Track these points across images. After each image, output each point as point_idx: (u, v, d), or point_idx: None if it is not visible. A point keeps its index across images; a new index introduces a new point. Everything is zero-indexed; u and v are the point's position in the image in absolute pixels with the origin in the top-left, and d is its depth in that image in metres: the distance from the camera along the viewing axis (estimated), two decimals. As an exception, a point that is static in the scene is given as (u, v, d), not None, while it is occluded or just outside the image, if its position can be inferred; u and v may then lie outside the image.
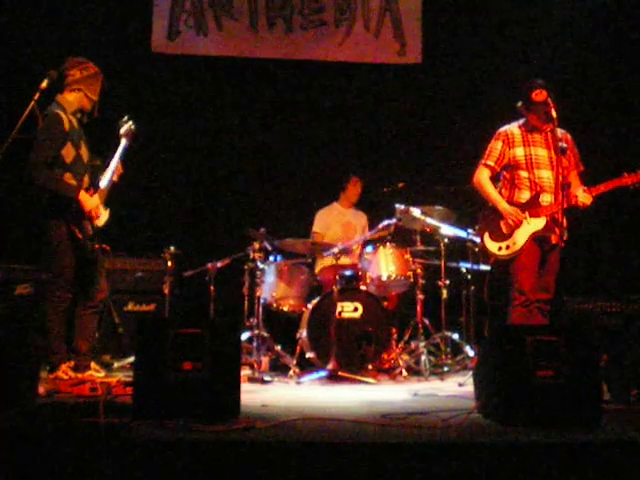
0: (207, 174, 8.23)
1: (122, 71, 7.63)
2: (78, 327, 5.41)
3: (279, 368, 6.52)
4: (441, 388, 5.60)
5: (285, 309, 6.75)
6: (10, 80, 7.30)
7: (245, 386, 4.76)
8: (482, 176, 5.46)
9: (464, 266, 6.96)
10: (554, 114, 5.13)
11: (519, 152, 5.33)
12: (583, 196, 5.18)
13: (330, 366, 5.97)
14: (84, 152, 5.40)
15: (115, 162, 5.52)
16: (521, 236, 5.23)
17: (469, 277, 6.93)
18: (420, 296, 6.66)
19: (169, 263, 6.82)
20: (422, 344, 6.46)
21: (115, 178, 5.56)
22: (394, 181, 7.10)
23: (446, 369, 6.44)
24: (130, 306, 7.00)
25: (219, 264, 6.91)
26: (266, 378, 5.92)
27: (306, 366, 6.37)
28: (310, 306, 6.48)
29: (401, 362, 6.29)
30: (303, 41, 8.33)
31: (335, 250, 6.44)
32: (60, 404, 4.24)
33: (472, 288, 6.86)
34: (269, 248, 6.81)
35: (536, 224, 5.21)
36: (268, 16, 8.27)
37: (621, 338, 4.78)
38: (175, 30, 8.17)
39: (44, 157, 5.13)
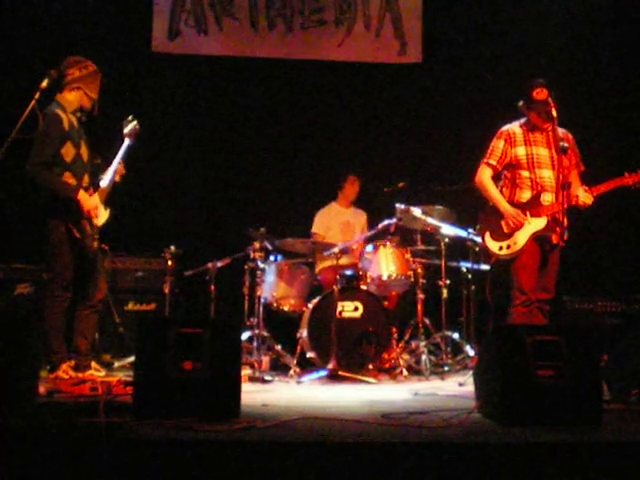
0: (207, 173, 8.23)
1: (122, 71, 7.64)
2: (78, 327, 5.41)
3: (279, 368, 6.52)
4: (441, 388, 5.60)
5: (285, 309, 6.75)
6: (10, 80, 7.30)
7: (245, 386, 4.75)
8: (484, 175, 5.46)
9: (464, 266, 6.96)
10: (554, 113, 5.13)
11: (520, 151, 5.33)
12: (584, 196, 5.18)
13: (330, 366, 5.97)
14: (84, 151, 5.40)
15: (117, 161, 5.52)
16: (522, 236, 5.23)
17: (469, 277, 6.92)
18: (420, 296, 6.66)
19: (169, 262, 6.82)
20: (422, 344, 6.46)
21: (117, 178, 5.57)
22: (395, 181, 7.10)
23: (446, 369, 6.44)
24: (130, 305, 7.01)
25: (219, 264, 6.91)
26: (266, 378, 5.93)
27: (306, 366, 6.38)
28: (310, 306, 6.48)
29: (402, 362, 6.30)
30: (303, 41, 8.32)
31: (335, 250, 6.43)
32: (60, 404, 4.25)
33: (472, 288, 6.86)
34: (269, 248, 6.81)
35: (537, 224, 5.21)
36: (268, 16, 8.27)
37: (621, 338, 4.78)
38: (175, 30, 8.17)
39: (44, 157, 5.13)
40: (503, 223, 5.31)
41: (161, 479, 3.05)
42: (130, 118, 5.63)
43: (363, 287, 6.57)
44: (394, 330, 6.42)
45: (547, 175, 5.28)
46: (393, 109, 8.36)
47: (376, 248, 6.64)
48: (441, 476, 3.09)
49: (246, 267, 6.80)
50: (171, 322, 4.02)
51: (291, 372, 6.16)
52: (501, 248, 5.31)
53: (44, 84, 5.01)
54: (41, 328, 5.15)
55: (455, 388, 5.53)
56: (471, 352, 6.51)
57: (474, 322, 6.78)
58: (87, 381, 4.87)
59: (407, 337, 6.81)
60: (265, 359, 6.43)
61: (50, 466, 3.06)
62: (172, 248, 6.85)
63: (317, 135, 8.35)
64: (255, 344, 6.42)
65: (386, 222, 6.61)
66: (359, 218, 7.72)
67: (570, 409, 3.70)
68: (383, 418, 3.87)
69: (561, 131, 5.28)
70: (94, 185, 5.43)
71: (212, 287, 6.91)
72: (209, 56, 8.25)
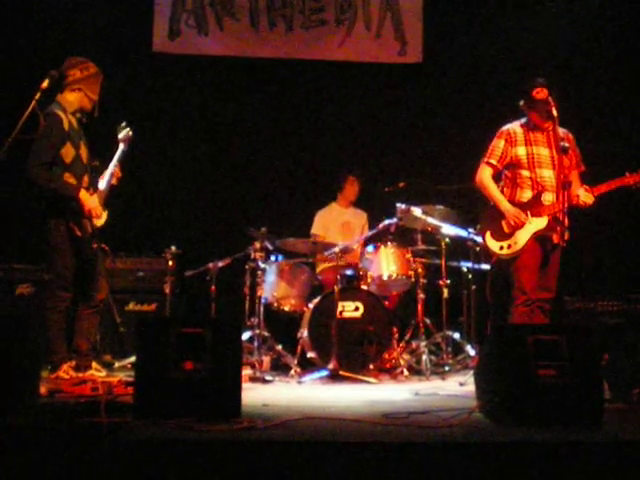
0: (208, 173, 8.23)
1: (123, 71, 7.64)
2: (79, 327, 5.42)
3: (280, 368, 6.52)
4: (442, 387, 5.59)
5: (286, 309, 6.76)
6: (11, 80, 7.30)
7: (246, 386, 4.76)
8: (485, 175, 5.46)
9: (465, 265, 6.96)
10: (555, 112, 5.13)
11: (521, 151, 5.33)
12: (585, 195, 5.18)
13: (331, 366, 5.97)
14: (84, 152, 5.40)
15: (113, 166, 5.55)
16: (523, 235, 5.23)
17: (470, 276, 6.92)
18: (421, 295, 6.66)
19: (170, 263, 6.82)
20: (423, 343, 6.46)
21: (114, 181, 5.58)
22: (395, 180, 7.10)
23: (447, 368, 6.43)
24: (131, 306, 7.01)
25: (220, 264, 6.91)
26: (267, 378, 5.93)
27: (307, 366, 6.38)
28: (311, 306, 6.47)
29: (402, 361, 6.30)
30: (304, 41, 8.32)
31: (336, 250, 6.43)
32: (61, 404, 4.24)
33: (473, 287, 6.85)
34: (270, 248, 6.81)
35: (538, 223, 5.21)
36: (269, 16, 8.27)
37: (622, 337, 4.78)
38: (176, 30, 8.17)
39: (44, 157, 5.14)
40: (504, 223, 5.31)
41: (162, 479, 3.05)
42: (123, 124, 5.67)
43: (364, 287, 6.56)
44: (395, 330, 6.42)
45: (548, 175, 5.29)
46: (393, 109, 8.35)
47: (377, 248, 6.64)
48: (442, 476, 3.09)
49: (247, 267, 6.80)
50: (172, 322, 4.02)
51: (292, 372, 6.16)
52: (502, 248, 5.32)
53: (45, 84, 5.01)
54: (42, 328, 5.16)
55: (456, 388, 5.53)
56: (472, 352, 6.51)
57: (475, 322, 6.78)
58: (88, 381, 4.88)
59: (408, 337, 6.80)
60: (266, 359, 6.43)
61: (51, 466, 3.06)
62: (173, 248, 6.85)
63: (317, 135, 8.35)
64: (256, 344, 6.42)
65: (387, 222, 6.62)
66: (359, 218, 7.72)
67: (571, 408, 3.70)
68: (384, 418, 3.87)
69: (562, 131, 5.28)
70: (93, 186, 5.43)
71: (213, 287, 6.91)
72: (210, 56, 8.24)
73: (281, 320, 6.99)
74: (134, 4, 8.08)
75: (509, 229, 5.28)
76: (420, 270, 6.70)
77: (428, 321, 6.69)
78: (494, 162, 5.41)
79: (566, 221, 5.09)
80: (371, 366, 6.22)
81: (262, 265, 6.62)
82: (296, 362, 6.30)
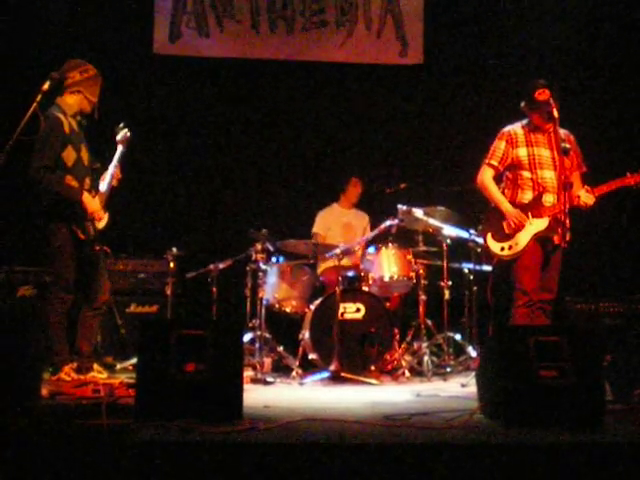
0: (209, 175, 8.23)
1: (124, 73, 7.64)
2: (81, 329, 5.42)
3: (282, 369, 6.51)
4: (444, 389, 5.59)
5: (287, 310, 6.76)
6: (11, 82, 7.30)
7: (248, 387, 4.76)
8: (485, 176, 5.46)
9: (466, 267, 6.96)
10: (556, 114, 5.13)
11: (522, 152, 5.33)
12: (586, 196, 5.18)
13: (333, 367, 5.97)
14: (85, 155, 5.41)
15: (113, 167, 5.55)
16: (524, 236, 5.23)
17: (471, 278, 6.91)
18: (422, 297, 6.67)
19: (171, 264, 6.82)
20: (425, 345, 6.45)
21: (114, 182, 5.59)
22: (396, 182, 7.10)
23: (449, 370, 6.44)
24: (132, 307, 7.00)
25: (221, 265, 6.91)
26: (269, 379, 5.92)
27: (309, 367, 6.37)
28: (312, 307, 6.47)
29: (404, 363, 6.30)
30: (305, 42, 8.32)
31: (337, 251, 6.43)
32: (63, 406, 4.25)
33: (474, 289, 6.85)
34: (271, 249, 6.81)
35: (539, 224, 5.21)
36: (270, 17, 8.27)
37: (624, 338, 4.78)
38: (177, 32, 8.17)
39: (46, 160, 5.14)
40: (505, 224, 5.30)
41: (164, 481, 3.06)
42: (121, 125, 5.67)
43: (365, 288, 6.56)
44: (396, 331, 6.42)
45: (549, 176, 5.28)
46: (394, 110, 8.35)
47: (378, 249, 6.64)
48: (444, 477, 3.09)
49: (248, 269, 6.80)
50: (173, 324, 4.04)
51: (293, 373, 6.16)
52: (503, 249, 5.31)
53: (46, 86, 5.02)
54: (43, 330, 5.16)
55: (457, 389, 5.53)
56: (473, 353, 6.50)
57: (476, 323, 6.77)
58: (89, 383, 4.88)
59: (409, 338, 6.80)
60: (267, 361, 6.43)
61: (52, 468, 3.06)
62: (174, 250, 6.85)
63: (318, 136, 8.35)
64: (257, 346, 6.42)
65: (388, 223, 6.62)
66: (361, 220, 7.72)
67: (572, 410, 3.70)
68: (385, 419, 3.87)
69: (563, 132, 5.28)
70: (95, 188, 5.44)
71: (214, 289, 6.91)
72: (210, 58, 8.24)
73: (282, 321, 6.98)
74: (135, 6, 8.08)
75: (510, 230, 5.28)
76: (421, 271, 6.70)
77: (429, 322, 6.68)
78: (495, 163, 5.41)
79: (567, 222, 5.10)
80: (372, 367, 6.22)
81: (263, 266, 6.63)
82: (297, 364, 6.30)
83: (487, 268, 6.53)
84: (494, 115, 6.20)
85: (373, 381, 5.88)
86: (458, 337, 6.71)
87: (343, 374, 5.94)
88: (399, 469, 3.09)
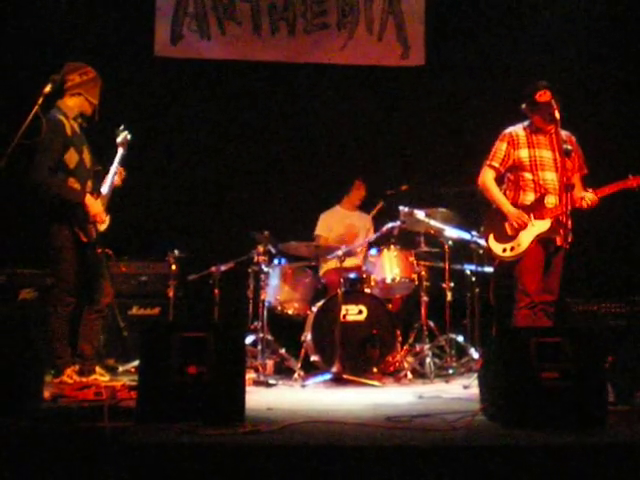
0: (211, 177, 8.23)
1: (125, 75, 7.65)
2: (83, 331, 5.42)
3: (284, 371, 6.52)
4: (446, 390, 5.59)
5: (290, 312, 6.76)
6: (12, 85, 7.31)
7: (250, 389, 4.75)
8: (487, 177, 5.45)
9: (468, 268, 6.95)
10: (557, 115, 5.13)
11: (523, 154, 5.33)
12: (588, 198, 5.18)
13: (335, 369, 5.97)
14: (87, 157, 5.41)
15: (114, 169, 5.56)
16: (526, 238, 5.22)
17: (473, 279, 6.91)
18: (424, 298, 6.66)
19: (173, 267, 6.83)
20: (427, 346, 6.45)
21: (118, 182, 5.59)
22: (398, 183, 7.10)
23: (451, 371, 6.44)
24: (134, 310, 7.00)
25: (223, 267, 6.92)
26: (271, 381, 5.93)
27: (311, 369, 6.38)
28: (315, 309, 6.48)
29: (406, 364, 6.29)
30: (306, 44, 8.32)
31: (339, 253, 6.43)
32: (65, 408, 4.26)
33: (476, 290, 6.84)
34: (273, 251, 6.82)
35: (541, 226, 5.20)
36: (271, 20, 8.27)
37: (625, 339, 4.77)
38: (178, 34, 8.18)
39: (48, 162, 5.14)
40: (507, 225, 5.30)
41: (165, 483, 3.06)
42: (121, 128, 5.70)
43: (367, 290, 6.56)
44: (398, 333, 6.42)
45: (550, 177, 5.28)
46: (396, 112, 8.35)
47: (380, 251, 6.64)
48: (446, 479, 3.09)
49: (250, 271, 6.81)
50: (175, 326, 4.04)
51: (295, 376, 6.16)
52: (505, 250, 5.31)
53: (47, 89, 5.02)
54: (45, 333, 5.16)
55: (459, 391, 5.52)
56: (475, 355, 6.50)
57: (478, 324, 6.77)
58: (91, 386, 4.89)
59: (411, 340, 6.78)
60: (269, 363, 6.44)
61: (54, 470, 3.06)
62: (176, 252, 6.86)
63: (320, 138, 8.35)
64: (259, 348, 6.43)
65: (390, 225, 6.62)
66: (363, 221, 7.71)
67: (574, 411, 3.70)
68: (387, 421, 3.87)
69: (564, 133, 5.28)
70: (97, 191, 5.44)
71: (216, 291, 6.91)
72: (212, 60, 8.25)
73: (284, 324, 6.98)
74: (136, 8, 8.08)
75: (512, 231, 5.28)
76: (423, 273, 6.70)
77: (432, 324, 6.68)
78: (496, 164, 5.41)
79: (569, 223, 5.11)
80: (375, 369, 6.22)
81: (265, 269, 6.64)
82: (300, 366, 6.29)
83: (489, 269, 6.54)
84: (496, 116, 6.18)
85: (375, 383, 5.88)
86: (460, 339, 6.71)
87: (345, 376, 5.93)
88: (401, 471, 3.09)
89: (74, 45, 7.48)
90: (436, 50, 8.34)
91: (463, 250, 6.84)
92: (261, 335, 6.44)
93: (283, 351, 6.63)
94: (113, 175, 5.54)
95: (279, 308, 6.72)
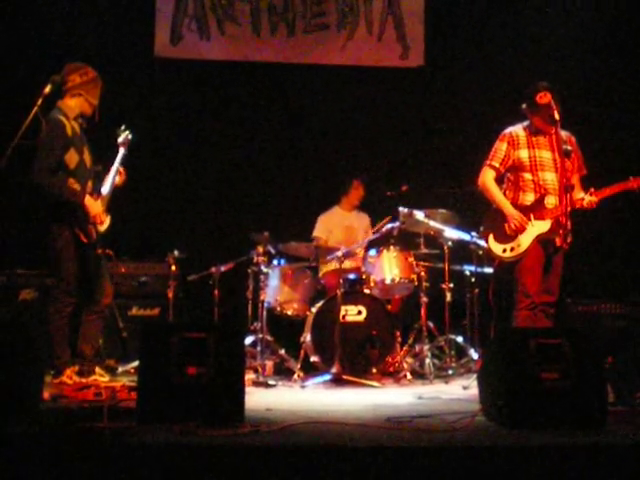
0: (210, 178, 8.22)
1: (125, 75, 7.65)
2: (83, 332, 5.42)
3: (283, 372, 6.52)
4: (445, 391, 5.59)
5: (289, 313, 6.75)
6: (12, 86, 7.31)
7: (249, 390, 4.75)
8: (487, 177, 5.45)
9: (468, 269, 6.95)
10: (557, 116, 5.13)
11: (523, 154, 5.33)
12: (588, 200, 5.18)
13: (334, 370, 5.97)
14: (87, 157, 5.42)
15: (114, 170, 5.56)
16: (526, 238, 5.22)
17: (473, 280, 6.90)
18: (424, 299, 6.66)
19: (173, 267, 6.82)
20: (426, 347, 6.45)
21: (119, 182, 5.59)
22: (397, 184, 7.10)
23: (450, 372, 6.44)
24: (134, 310, 6.99)
25: (223, 268, 6.91)
26: (270, 382, 5.92)
27: (310, 370, 6.37)
28: (314, 310, 6.48)
29: (405, 365, 6.29)
30: (306, 45, 8.32)
31: (339, 254, 6.43)
32: (65, 409, 4.25)
33: (476, 291, 6.84)
34: (273, 252, 6.82)
35: (541, 226, 5.20)
36: (270, 20, 8.27)
37: (625, 340, 4.77)
38: (178, 35, 8.18)
39: (48, 163, 5.14)
40: (507, 225, 5.30)
41: (165, 484, 3.06)
42: (122, 128, 5.70)
43: (366, 291, 6.56)
44: (398, 334, 6.41)
45: (550, 178, 5.28)
46: (395, 113, 8.35)
47: (379, 252, 6.63)
48: (446, 479, 3.09)
49: (250, 271, 6.81)
50: (175, 327, 4.05)
51: (295, 376, 6.16)
52: (505, 250, 5.31)
53: (47, 90, 5.03)
54: (45, 333, 5.17)
55: (459, 391, 5.53)
56: (475, 355, 6.50)
57: (478, 325, 6.76)
58: (91, 386, 4.89)
59: (411, 341, 6.79)
60: (269, 363, 6.43)
61: (54, 471, 3.06)
62: (176, 253, 6.85)
63: (319, 139, 8.34)
64: (259, 348, 6.43)
65: (389, 226, 6.62)
66: (362, 221, 7.71)
67: (574, 411, 3.70)
68: (387, 422, 3.88)
69: (564, 134, 5.29)
70: (97, 191, 5.44)
71: (216, 292, 6.91)
72: (212, 61, 8.25)
73: (284, 324, 6.98)
74: (136, 9, 8.08)
75: (512, 232, 5.27)
76: (423, 274, 6.70)
77: (431, 325, 6.68)
78: (496, 164, 5.41)
79: (569, 224, 5.11)
80: (374, 370, 6.21)
81: (265, 269, 6.64)
82: (299, 366, 6.29)
83: (489, 270, 6.53)
84: (495, 117, 6.19)
85: (375, 384, 5.88)
86: (460, 339, 6.71)
87: (345, 377, 5.93)
88: (401, 472, 3.09)
89: (74, 46, 7.48)
90: (435, 50, 8.34)
91: (463, 251, 6.83)
92: (260, 336, 6.44)
93: (283, 352, 6.63)
94: (114, 175, 5.54)
95: (279, 309, 6.72)
